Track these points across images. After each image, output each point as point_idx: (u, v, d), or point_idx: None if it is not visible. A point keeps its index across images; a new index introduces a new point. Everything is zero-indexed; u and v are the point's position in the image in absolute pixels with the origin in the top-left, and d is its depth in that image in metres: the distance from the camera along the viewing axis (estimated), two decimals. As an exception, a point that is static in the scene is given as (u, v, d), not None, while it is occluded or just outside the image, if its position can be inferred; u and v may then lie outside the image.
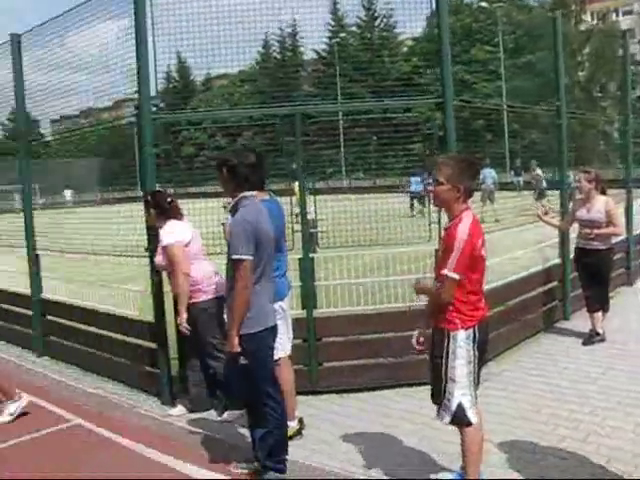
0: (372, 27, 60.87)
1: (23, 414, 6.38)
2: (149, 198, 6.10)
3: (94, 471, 5.19)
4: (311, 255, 6.45)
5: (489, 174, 20.35)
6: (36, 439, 5.95)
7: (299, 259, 6.38)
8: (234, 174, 4.68)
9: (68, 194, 26.27)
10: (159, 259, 6.10)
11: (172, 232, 5.95)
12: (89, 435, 5.98)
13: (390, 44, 57.48)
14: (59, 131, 10.62)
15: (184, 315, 5.83)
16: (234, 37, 6.53)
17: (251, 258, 4.42)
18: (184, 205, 6.39)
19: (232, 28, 6.52)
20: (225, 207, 6.97)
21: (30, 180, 8.52)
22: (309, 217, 6.48)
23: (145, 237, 6.47)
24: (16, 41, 8.36)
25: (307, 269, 6.39)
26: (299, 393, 6.20)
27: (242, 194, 4.63)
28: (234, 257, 4.43)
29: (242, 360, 4.49)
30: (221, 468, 5.06)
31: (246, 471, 4.97)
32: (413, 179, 16.66)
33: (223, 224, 6.85)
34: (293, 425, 5.41)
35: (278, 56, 62.66)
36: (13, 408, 6.28)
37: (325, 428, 5.75)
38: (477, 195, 8.62)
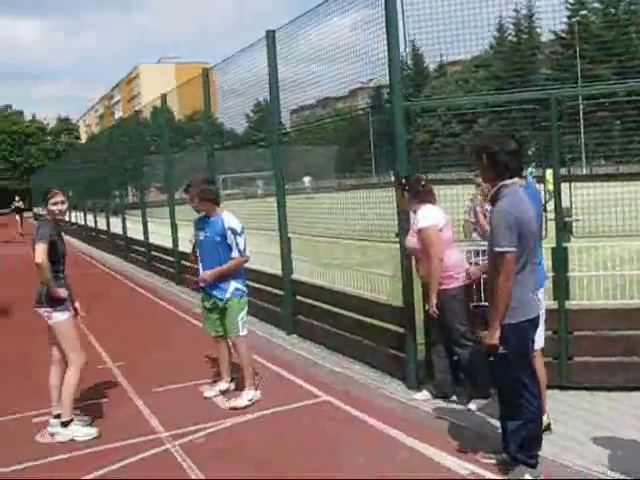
0: (617, 1, 57.04)
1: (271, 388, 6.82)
2: (403, 181, 6.17)
3: (342, 447, 5.41)
4: (564, 244, 6.20)
5: None
6: (284, 412, 6.32)
7: (552, 248, 6.17)
8: (494, 162, 4.53)
9: (307, 180, 27.31)
10: (413, 242, 6.15)
11: (427, 216, 5.98)
12: (336, 412, 6.24)
13: (638, 19, 53.56)
14: (311, 119, 11.08)
15: (434, 300, 5.86)
16: (468, 22, 6.41)
17: (514, 250, 4.33)
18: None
19: (467, 14, 6.39)
20: (472, 199, 6.92)
21: (281, 168, 8.99)
22: (563, 205, 6.22)
23: (395, 222, 6.57)
24: (271, 37, 8.84)
25: (560, 259, 6.16)
26: (548, 387, 6.04)
27: (502, 182, 4.50)
28: (496, 250, 4.37)
29: (501, 349, 4.42)
30: (468, 456, 5.04)
31: (494, 461, 4.91)
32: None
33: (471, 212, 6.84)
34: (544, 419, 5.25)
35: (513, 39, 60.82)
36: (252, 395, 6.59)
37: (575, 425, 5.52)
38: None
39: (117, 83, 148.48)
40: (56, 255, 6.00)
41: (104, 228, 23.72)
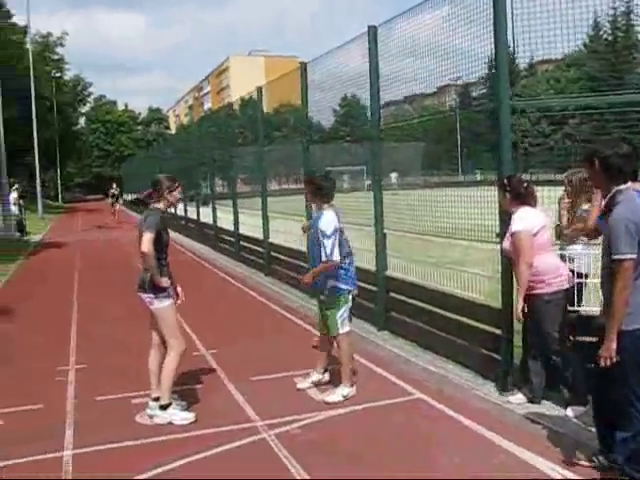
0: None
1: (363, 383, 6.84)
2: (505, 182, 6.09)
3: (436, 446, 5.40)
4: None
5: None
6: (377, 408, 6.35)
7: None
8: (607, 166, 4.43)
9: (393, 177, 27.19)
10: (506, 244, 6.09)
11: (522, 218, 5.90)
12: (430, 410, 6.22)
13: None
14: (402, 116, 11.07)
15: (520, 304, 5.77)
16: (561, 20, 6.25)
17: (633, 256, 4.24)
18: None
19: (561, 9, 6.23)
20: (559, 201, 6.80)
21: (380, 163, 9.00)
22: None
23: (497, 222, 6.50)
24: (372, 32, 8.85)
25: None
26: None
27: (616, 188, 4.41)
28: (615, 257, 4.29)
29: (615, 357, 4.32)
30: (566, 463, 4.95)
31: (586, 463, 4.85)
32: None
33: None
34: None
35: (609, 38, 59.00)
36: (347, 392, 6.59)
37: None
38: None
39: (207, 75, 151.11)
40: (160, 244, 6.16)
41: (194, 217, 24.22)
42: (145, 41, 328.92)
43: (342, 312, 6.62)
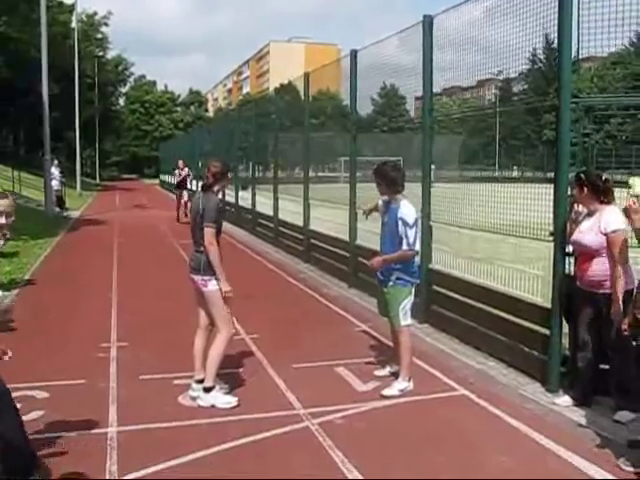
0: None
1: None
2: (582, 176, 5.92)
3: (482, 445, 5.34)
4: None
5: None
6: (421, 402, 6.29)
7: None
8: None
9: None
10: (592, 241, 5.83)
11: (619, 216, 5.63)
12: (474, 407, 6.15)
13: None
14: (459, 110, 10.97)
15: (618, 307, 5.46)
16: (606, 17, 6.09)
17: None
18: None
19: (608, 6, 6.08)
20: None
21: (430, 153, 8.90)
22: None
23: (550, 220, 6.39)
24: (428, 22, 8.74)
25: None
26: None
27: None
28: None
29: None
30: (610, 466, 4.90)
31: (631, 469, 4.81)
32: None
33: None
34: None
35: (657, 36, 57.88)
36: (404, 386, 6.52)
37: None
38: None
39: (247, 60, 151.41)
40: (218, 231, 6.18)
41: (232, 201, 24.27)
42: (187, 24, 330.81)
43: (405, 304, 6.56)
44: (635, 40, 55.74)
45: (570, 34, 6.17)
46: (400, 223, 6.37)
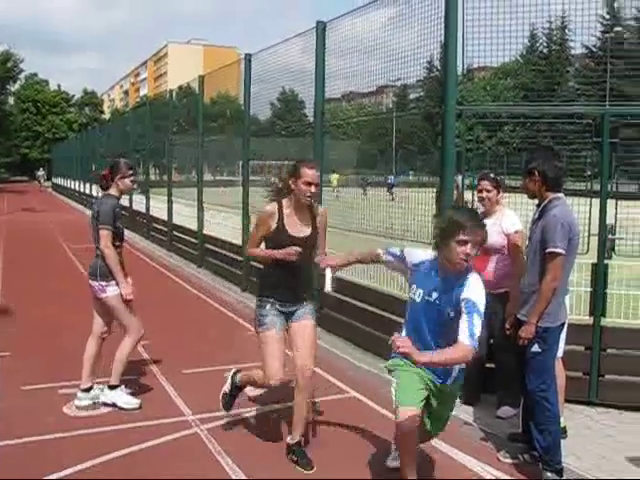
0: (653, 20, 56.40)
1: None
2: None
3: (373, 446, 5.41)
4: (606, 261, 6.18)
5: None
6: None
7: (592, 264, 6.17)
8: (546, 177, 4.94)
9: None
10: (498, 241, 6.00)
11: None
12: (364, 409, 6.25)
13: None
14: (350, 114, 11.10)
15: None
16: (500, 28, 6.39)
17: (564, 252, 4.73)
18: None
19: (498, 19, 6.38)
20: None
21: (322, 158, 8.98)
22: (608, 222, 6.18)
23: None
24: (321, 28, 8.84)
25: (600, 275, 6.14)
26: (576, 402, 6.06)
27: (552, 195, 4.92)
28: (550, 250, 4.74)
29: (536, 348, 4.78)
30: (494, 462, 5.09)
31: (514, 462, 5.08)
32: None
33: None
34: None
35: (545, 50, 60.43)
36: None
37: (605, 444, 5.50)
38: None
39: (145, 61, 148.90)
40: (117, 234, 6.07)
41: (125, 204, 23.79)
42: (82, 21, 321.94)
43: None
44: (524, 52, 58.05)
45: (455, 43, 6.36)
46: (465, 305, 4.08)
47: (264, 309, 5.05)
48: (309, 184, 4.84)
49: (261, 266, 5.42)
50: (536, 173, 4.92)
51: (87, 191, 36.27)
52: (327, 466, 4.99)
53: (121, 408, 6.02)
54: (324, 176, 8.93)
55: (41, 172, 62.70)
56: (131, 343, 6.08)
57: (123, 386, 6.15)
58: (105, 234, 5.88)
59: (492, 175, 6.25)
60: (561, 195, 4.94)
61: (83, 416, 5.90)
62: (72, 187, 44.29)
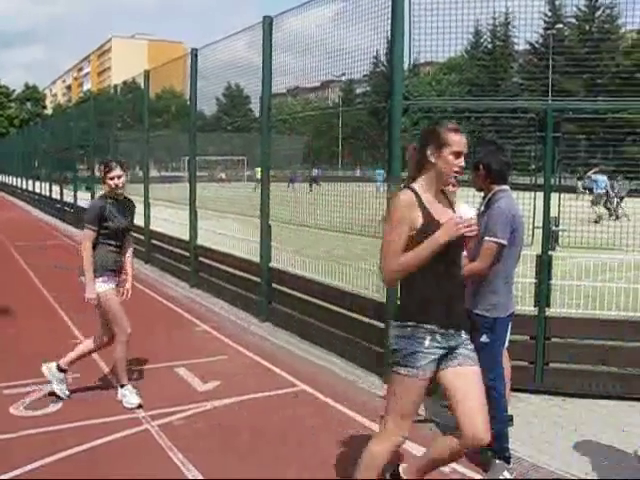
0: (592, 19, 57.80)
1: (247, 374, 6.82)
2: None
3: (322, 436, 5.45)
4: (550, 253, 6.33)
5: None
6: (260, 399, 6.34)
7: (537, 256, 6.30)
8: (490, 171, 5.01)
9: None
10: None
11: None
12: (313, 401, 6.28)
13: (611, 37, 54.29)
14: (299, 110, 11.12)
15: None
16: (445, 24, 6.49)
17: (504, 242, 4.81)
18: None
19: (444, 14, 6.47)
20: None
21: (269, 154, 8.98)
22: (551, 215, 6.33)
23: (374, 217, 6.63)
24: (268, 23, 8.83)
25: (544, 266, 6.28)
26: (522, 390, 6.19)
27: (497, 188, 5.00)
28: (489, 239, 4.81)
29: (485, 338, 4.81)
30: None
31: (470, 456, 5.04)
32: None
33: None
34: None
35: (489, 46, 61.34)
36: None
37: (548, 429, 5.65)
38: None
39: (88, 55, 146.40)
40: (107, 232, 6.00)
41: (70, 201, 23.39)
42: (22, 13, 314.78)
43: None
44: (469, 48, 58.85)
45: (402, 39, 6.43)
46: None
47: (422, 344, 3.64)
48: (458, 155, 3.63)
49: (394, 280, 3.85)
50: (480, 167, 5.01)
51: (29, 188, 35.57)
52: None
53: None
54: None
55: None
56: (122, 347, 6.15)
57: (130, 386, 6.17)
58: (85, 233, 5.94)
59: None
60: (506, 187, 5.02)
61: (30, 416, 5.80)
62: (14, 184, 43.38)
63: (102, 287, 5.97)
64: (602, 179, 19.16)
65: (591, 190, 17.42)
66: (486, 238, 4.78)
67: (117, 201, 6.10)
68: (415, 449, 5.17)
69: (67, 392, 6.20)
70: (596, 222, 12.61)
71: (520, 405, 6.04)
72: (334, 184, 8.96)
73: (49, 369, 6.21)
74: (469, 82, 52.94)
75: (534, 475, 4.86)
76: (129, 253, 6.35)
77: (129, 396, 6.07)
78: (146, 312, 9.92)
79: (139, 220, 14.55)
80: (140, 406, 6.00)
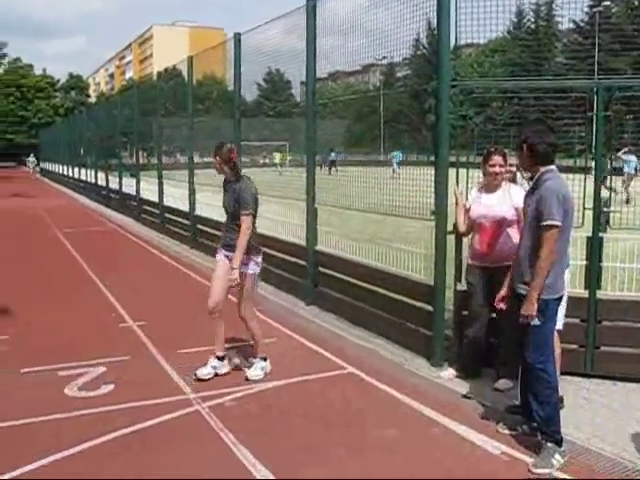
0: (641, -6, 56.21)
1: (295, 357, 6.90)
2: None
3: (369, 420, 5.47)
4: (600, 235, 6.22)
5: None
6: (308, 381, 6.38)
7: (587, 237, 6.20)
8: (535, 151, 4.91)
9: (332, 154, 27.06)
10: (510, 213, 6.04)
11: None
12: (361, 383, 6.30)
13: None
14: (341, 93, 11.08)
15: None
16: (486, 5, 6.36)
17: (560, 224, 4.70)
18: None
19: None
20: None
21: (314, 139, 8.98)
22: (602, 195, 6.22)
23: (432, 200, 6.58)
24: (311, 6, 8.79)
25: (595, 248, 6.18)
26: (572, 374, 6.11)
27: (544, 169, 4.90)
28: (545, 223, 4.71)
29: (536, 322, 4.75)
30: (489, 431, 5.17)
31: (510, 432, 5.14)
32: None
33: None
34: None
35: (532, 26, 60.28)
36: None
37: (601, 413, 5.57)
38: None
39: (130, 43, 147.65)
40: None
41: (115, 187, 23.68)
42: (64, 5, 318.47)
43: None
44: (512, 29, 57.89)
45: (448, 19, 6.35)
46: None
47: None
48: None
49: None
50: (524, 147, 4.93)
51: (75, 176, 36.10)
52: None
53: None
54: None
55: (31, 158, 60.62)
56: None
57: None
58: (251, 220, 6.27)
59: (503, 149, 6.23)
60: (553, 167, 4.91)
61: (83, 397, 5.92)
62: (60, 172, 44.08)
63: (256, 269, 6.35)
64: (633, 159, 18.76)
65: (620, 170, 17.07)
66: (545, 223, 4.69)
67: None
68: (462, 430, 5.17)
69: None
70: (627, 202, 12.42)
71: (570, 388, 5.97)
72: (377, 167, 8.92)
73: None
74: (512, 63, 52.11)
75: (585, 458, 4.81)
76: None
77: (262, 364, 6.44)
78: (195, 296, 10.03)
79: (184, 205, 14.72)
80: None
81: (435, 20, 6.49)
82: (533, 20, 59.75)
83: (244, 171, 11.44)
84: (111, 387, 6.13)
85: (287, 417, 5.52)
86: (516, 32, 58.84)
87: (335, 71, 10.10)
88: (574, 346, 6.24)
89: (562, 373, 5.72)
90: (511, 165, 6.23)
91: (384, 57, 8.05)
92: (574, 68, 48.51)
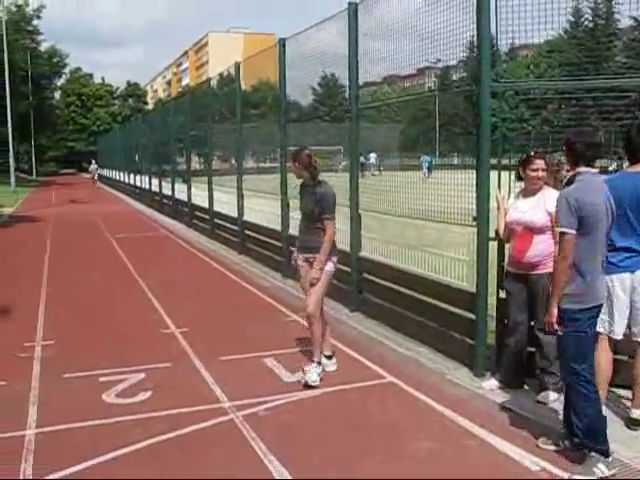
0: None
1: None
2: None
3: (407, 430, 5.34)
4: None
5: None
6: (347, 390, 6.26)
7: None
8: (571, 151, 4.76)
9: (372, 157, 27.11)
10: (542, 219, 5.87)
11: None
12: (400, 394, 6.15)
13: None
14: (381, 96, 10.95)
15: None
16: (542, 5, 6.14)
17: (571, 231, 4.48)
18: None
19: None
20: None
21: (357, 142, 8.88)
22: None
23: (474, 206, 6.40)
24: (353, 9, 8.69)
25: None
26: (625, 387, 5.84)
27: (577, 170, 4.71)
28: (556, 229, 4.68)
29: (559, 331, 4.61)
30: (535, 450, 4.91)
31: (553, 448, 4.90)
32: None
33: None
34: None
35: (590, 25, 59.06)
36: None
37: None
38: None
39: (186, 50, 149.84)
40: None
41: (168, 193, 23.94)
42: (123, 15, 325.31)
43: None
44: (569, 28, 56.83)
45: (487, 20, 6.17)
46: None
47: None
48: None
49: None
50: (564, 148, 4.80)
51: (130, 182, 36.66)
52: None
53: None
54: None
55: (94, 166, 56.97)
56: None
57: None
58: (334, 227, 6.50)
59: (544, 153, 6.06)
60: (586, 170, 4.66)
61: (121, 403, 5.93)
62: (117, 178, 44.87)
63: (332, 268, 6.52)
64: None
65: None
66: (556, 229, 4.63)
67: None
68: (499, 443, 5.00)
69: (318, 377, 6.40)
70: None
71: (622, 402, 5.72)
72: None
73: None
74: (568, 63, 51.12)
75: (630, 474, 4.58)
76: None
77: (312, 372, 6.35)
78: (238, 302, 10.04)
79: (232, 211, 14.76)
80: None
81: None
82: (591, 19, 58.56)
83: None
84: (148, 394, 6.12)
85: (322, 427, 5.43)
86: (573, 32, 57.74)
87: (390, 75, 9.97)
88: (623, 357, 5.97)
89: (616, 386, 5.52)
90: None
91: (438, 60, 7.92)
92: (635, 66, 47.32)
